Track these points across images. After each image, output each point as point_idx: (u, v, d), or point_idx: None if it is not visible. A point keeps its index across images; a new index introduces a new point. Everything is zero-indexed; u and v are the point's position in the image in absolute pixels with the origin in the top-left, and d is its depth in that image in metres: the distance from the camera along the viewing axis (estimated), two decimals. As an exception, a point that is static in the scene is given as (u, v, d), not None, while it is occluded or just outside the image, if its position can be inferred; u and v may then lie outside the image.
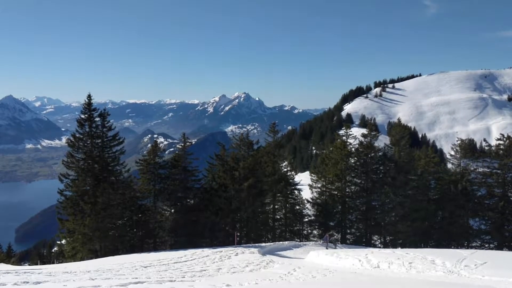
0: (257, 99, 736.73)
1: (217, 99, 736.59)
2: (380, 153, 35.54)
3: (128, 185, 27.17)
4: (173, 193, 29.68)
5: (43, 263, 37.99)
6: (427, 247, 32.42)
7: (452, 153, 34.55)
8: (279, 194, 35.60)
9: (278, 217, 36.46)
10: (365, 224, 34.86)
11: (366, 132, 35.95)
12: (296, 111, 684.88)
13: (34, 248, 74.07)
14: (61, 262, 27.16)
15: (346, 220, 35.26)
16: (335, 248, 24.58)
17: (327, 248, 24.25)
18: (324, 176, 35.51)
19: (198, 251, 20.71)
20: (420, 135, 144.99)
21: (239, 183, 30.71)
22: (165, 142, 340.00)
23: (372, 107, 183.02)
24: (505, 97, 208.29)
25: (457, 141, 35.09)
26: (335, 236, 26.25)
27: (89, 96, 25.72)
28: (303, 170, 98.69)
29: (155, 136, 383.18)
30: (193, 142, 43.18)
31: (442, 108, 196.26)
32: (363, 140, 35.42)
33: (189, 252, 20.31)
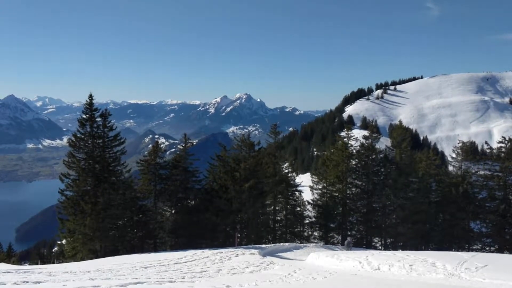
0: (258, 100, 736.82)
1: (218, 100, 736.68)
2: (381, 155, 35.48)
3: (129, 186, 27.19)
4: (174, 194, 29.70)
5: (43, 263, 37.91)
6: (427, 249, 32.34)
7: (453, 155, 34.47)
8: (280, 196, 35.57)
9: (279, 218, 36.43)
10: (366, 226, 34.83)
11: (367, 134, 35.93)
12: (297, 113, 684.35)
13: (35, 248, 74.18)
14: (61, 262, 27.12)
15: (346, 222, 35.25)
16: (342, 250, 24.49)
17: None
18: (325, 178, 35.49)
19: (198, 252, 20.69)
20: (421, 137, 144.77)
21: (240, 184, 30.69)
22: (166, 143, 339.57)
23: (373, 109, 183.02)
24: (507, 100, 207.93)
25: (458, 143, 35.03)
26: (348, 239, 26.17)
27: (90, 96, 25.73)
28: (304, 172, 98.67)
29: (156, 136, 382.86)
30: (194, 143, 43.19)
31: (444, 111, 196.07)
32: (364, 142, 35.38)
33: (189, 253, 20.29)
